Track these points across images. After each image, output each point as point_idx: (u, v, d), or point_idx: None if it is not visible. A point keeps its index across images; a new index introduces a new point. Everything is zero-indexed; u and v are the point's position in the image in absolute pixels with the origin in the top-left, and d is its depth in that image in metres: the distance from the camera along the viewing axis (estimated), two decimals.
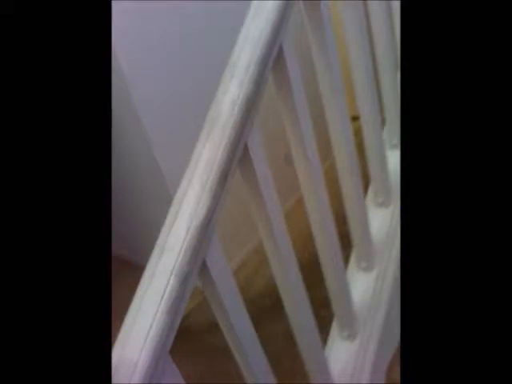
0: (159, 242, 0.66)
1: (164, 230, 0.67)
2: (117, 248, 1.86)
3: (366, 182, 1.22)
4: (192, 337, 1.78)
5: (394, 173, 1.29)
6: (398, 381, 0.64)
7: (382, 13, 1.20)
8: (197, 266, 0.67)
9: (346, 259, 1.22)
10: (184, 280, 0.63)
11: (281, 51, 0.80)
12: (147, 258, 0.66)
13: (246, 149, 0.75)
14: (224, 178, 0.69)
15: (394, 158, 1.33)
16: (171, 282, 0.62)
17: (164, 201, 0.99)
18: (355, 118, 1.15)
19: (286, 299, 0.91)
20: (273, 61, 0.78)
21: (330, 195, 0.98)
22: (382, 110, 1.29)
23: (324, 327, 1.13)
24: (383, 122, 1.37)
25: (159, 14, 1.73)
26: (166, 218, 0.68)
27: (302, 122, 0.88)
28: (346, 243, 1.15)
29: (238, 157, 0.73)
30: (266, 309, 1.70)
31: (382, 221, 1.30)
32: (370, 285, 1.22)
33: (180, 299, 0.63)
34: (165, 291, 0.62)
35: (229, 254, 0.80)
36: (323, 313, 1.10)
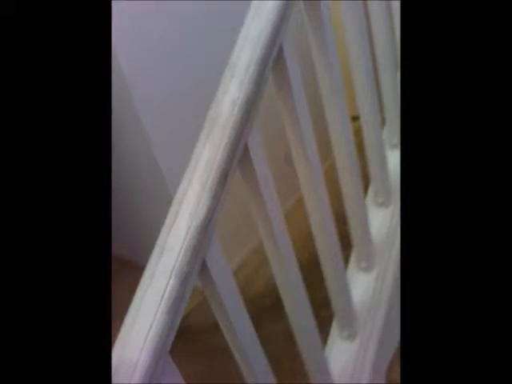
0: (159, 241, 0.66)
1: (164, 230, 0.67)
2: (117, 248, 1.86)
3: (365, 181, 1.22)
4: (192, 337, 1.78)
5: (394, 173, 1.29)
6: (398, 381, 0.64)
7: (382, 13, 1.20)
8: (197, 265, 0.67)
9: (346, 259, 1.22)
10: (184, 280, 0.63)
11: (281, 51, 0.80)
12: (147, 258, 0.66)
13: (246, 149, 0.75)
14: (224, 177, 0.69)
15: (394, 158, 1.33)
16: (171, 282, 0.62)
17: (164, 201, 0.99)
18: (355, 118, 1.15)
19: (286, 299, 0.91)
20: (273, 61, 0.78)
21: (330, 195, 0.98)
22: (382, 109, 1.29)
23: (324, 327, 1.13)
24: (383, 122, 1.37)
25: (159, 14, 1.73)
26: (166, 218, 0.68)
27: (302, 122, 0.88)
28: (346, 243, 1.15)
29: (237, 157, 0.73)
30: (266, 309, 1.70)
31: (382, 221, 1.30)
32: (370, 285, 1.22)
33: (180, 299, 0.63)
34: (165, 291, 0.62)
35: (229, 254, 0.80)
36: (323, 313, 1.10)
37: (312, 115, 0.91)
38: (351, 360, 1.13)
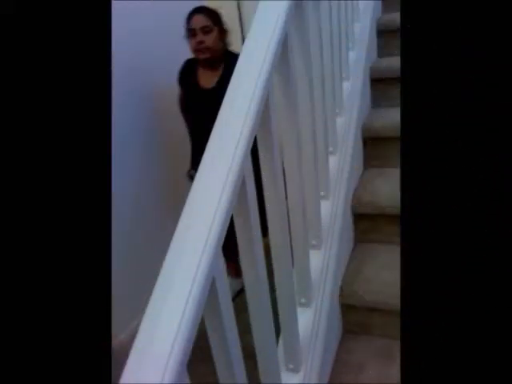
0: None
1: None
2: None
3: None
4: None
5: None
6: None
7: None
8: None
9: None
10: None
11: (284, 50, 0.84)
12: None
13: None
14: None
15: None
16: None
17: None
18: None
19: None
20: (276, 59, 0.81)
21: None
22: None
23: None
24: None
25: (159, 14, 1.75)
26: None
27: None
28: None
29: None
30: None
31: (317, 262, 1.34)
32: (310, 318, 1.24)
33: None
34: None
35: None
36: None
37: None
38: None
